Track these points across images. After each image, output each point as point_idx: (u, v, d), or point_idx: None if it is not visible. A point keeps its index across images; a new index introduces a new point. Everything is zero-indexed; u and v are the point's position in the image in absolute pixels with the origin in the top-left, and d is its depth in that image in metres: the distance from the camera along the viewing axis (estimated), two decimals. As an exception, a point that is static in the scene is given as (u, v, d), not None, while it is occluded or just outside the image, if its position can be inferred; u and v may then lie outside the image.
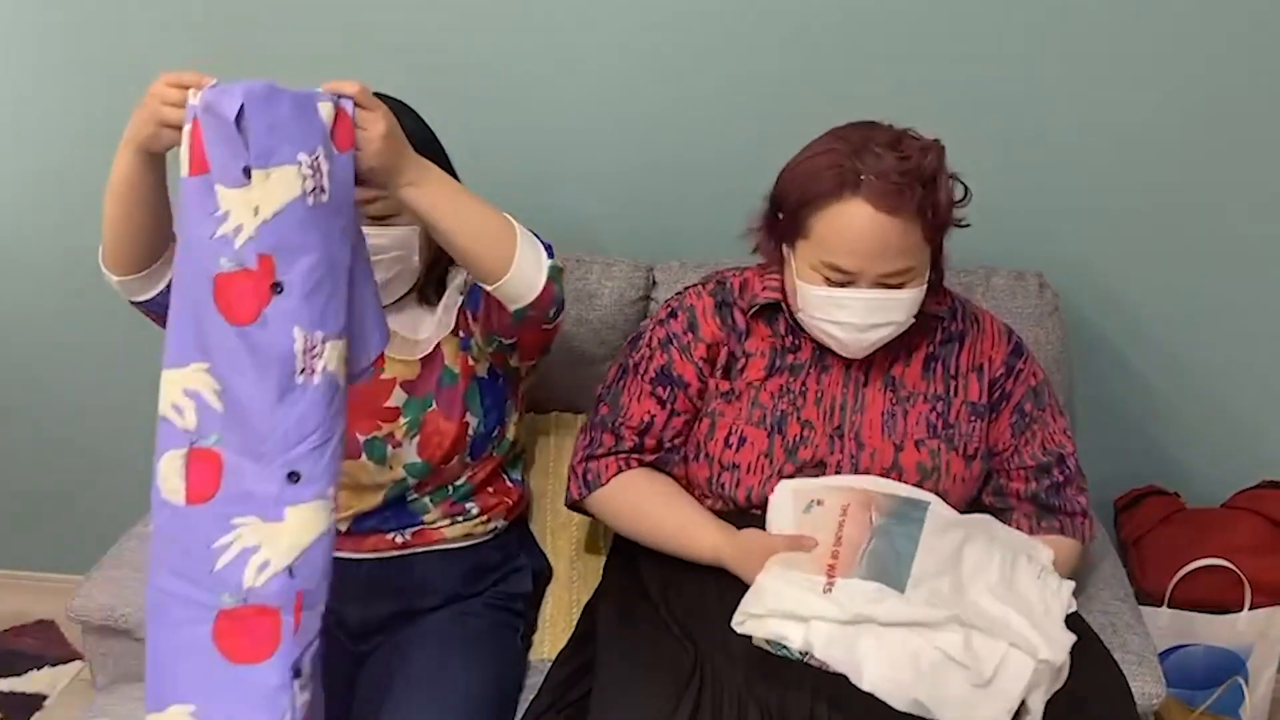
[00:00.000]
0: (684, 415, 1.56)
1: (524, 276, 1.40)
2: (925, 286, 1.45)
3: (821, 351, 1.53)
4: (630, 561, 1.59)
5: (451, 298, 1.61)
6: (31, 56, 2.02)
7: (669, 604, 1.48)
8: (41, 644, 2.39)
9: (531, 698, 1.54)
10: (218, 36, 1.96)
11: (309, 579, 1.19)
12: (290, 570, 1.18)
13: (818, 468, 1.50)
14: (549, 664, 1.61)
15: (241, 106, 1.14)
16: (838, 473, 1.49)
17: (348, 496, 1.58)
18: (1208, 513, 2.00)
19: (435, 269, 1.61)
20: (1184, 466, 2.06)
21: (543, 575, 1.75)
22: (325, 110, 1.19)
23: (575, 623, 1.67)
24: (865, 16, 1.82)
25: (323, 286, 1.19)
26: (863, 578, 1.33)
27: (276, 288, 1.17)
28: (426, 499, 1.63)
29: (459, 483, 1.64)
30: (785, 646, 1.30)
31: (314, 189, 1.18)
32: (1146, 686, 1.52)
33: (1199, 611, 1.92)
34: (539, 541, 1.78)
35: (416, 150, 1.32)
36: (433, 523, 1.63)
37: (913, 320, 1.48)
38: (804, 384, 1.53)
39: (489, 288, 1.41)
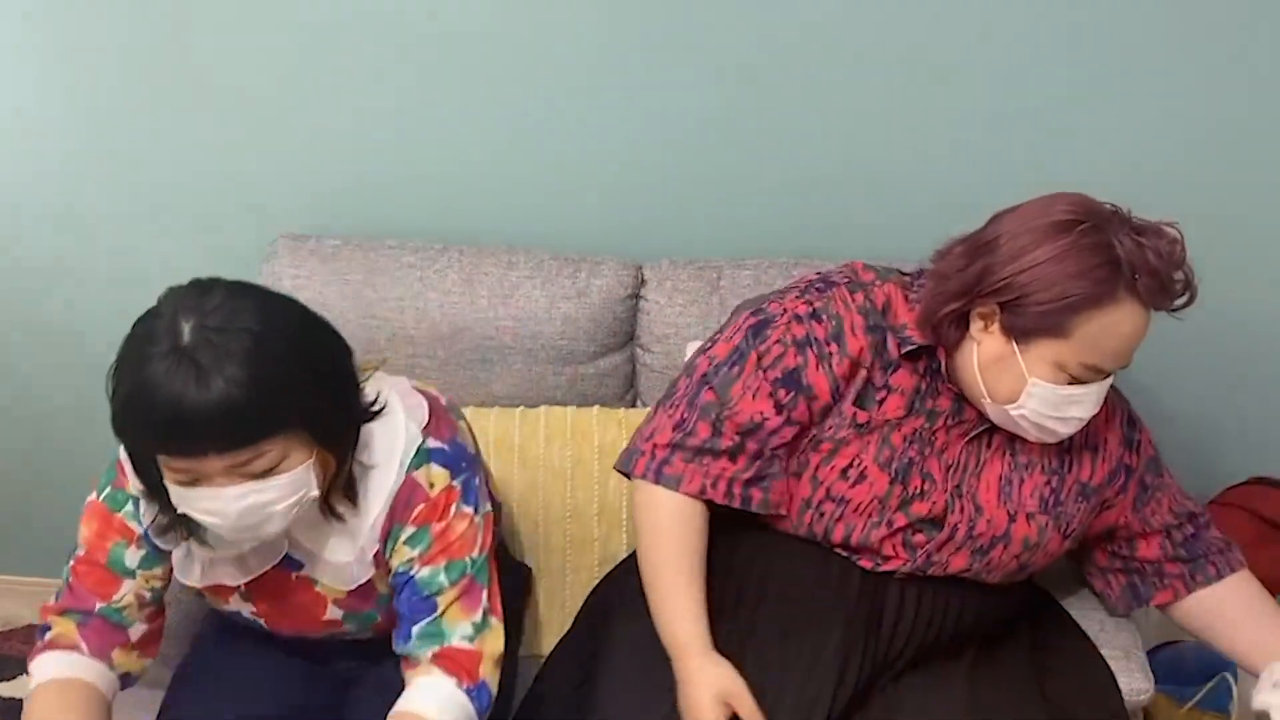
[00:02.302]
0: (798, 426, 1.42)
1: None
2: None
3: (960, 405, 1.44)
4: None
5: (368, 537, 1.36)
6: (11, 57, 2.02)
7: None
8: (31, 648, 2.37)
9: (526, 691, 1.54)
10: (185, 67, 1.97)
11: None
12: None
13: (933, 525, 1.43)
14: (537, 660, 1.61)
15: None
16: (952, 533, 1.43)
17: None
18: (1197, 509, 2.00)
19: (334, 485, 1.32)
20: (1173, 463, 2.05)
21: (523, 581, 1.75)
22: None
23: (571, 616, 1.66)
24: (857, 18, 1.82)
25: None
26: None
27: None
28: None
29: None
30: None
31: None
32: (1134, 683, 1.53)
33: (1188, 608, 1.92)
34: (530, 535, 1.78)
35: (278, 388, 1.18)
36: None
37: None
38: (934, 434, 1.44)
39: None
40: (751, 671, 1.36)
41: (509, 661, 1.62)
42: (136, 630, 1.41)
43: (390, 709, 1.33)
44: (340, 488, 1.32)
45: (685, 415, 1.43)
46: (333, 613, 1.43)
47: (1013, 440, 1.46)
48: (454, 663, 1.34)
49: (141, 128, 2.03)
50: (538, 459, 1.81)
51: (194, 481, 1.21)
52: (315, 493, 1.26)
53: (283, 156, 2.02)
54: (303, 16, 1.90)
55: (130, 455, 1.29)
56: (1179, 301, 1.34)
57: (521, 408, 1.84)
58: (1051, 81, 1.83)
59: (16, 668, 2.32)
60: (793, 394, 1.42)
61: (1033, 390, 1.35)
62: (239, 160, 2.03)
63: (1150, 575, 1.57)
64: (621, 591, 1.54)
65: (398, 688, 1.35)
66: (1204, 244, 1.89)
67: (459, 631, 1.35)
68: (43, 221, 2.15)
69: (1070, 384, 1.34)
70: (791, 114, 1.90)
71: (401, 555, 1.36)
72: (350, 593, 1.40)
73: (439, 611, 1.35)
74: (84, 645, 1.38)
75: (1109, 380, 1.38)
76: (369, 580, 1.38)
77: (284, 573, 1.38)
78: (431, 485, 1.36)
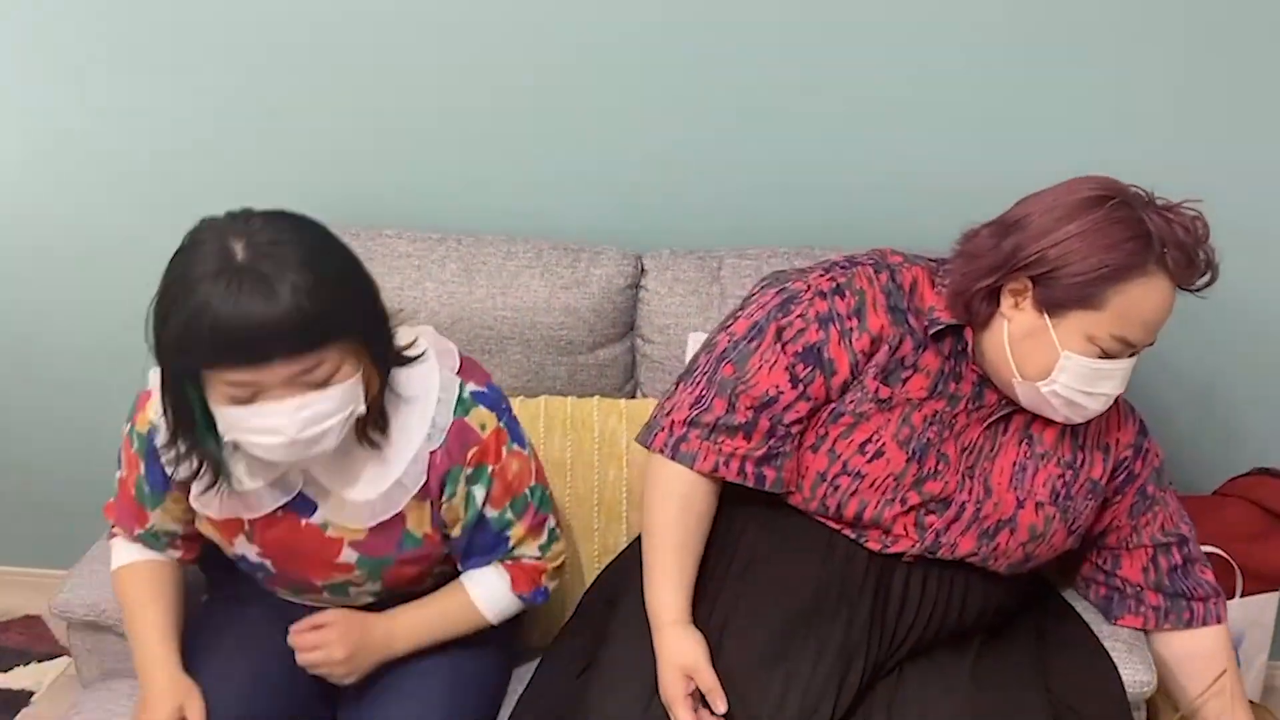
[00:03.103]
0: (813, 401, 1.44)
1: (498, 618, 1.52)
2: None
3: (981, 390, 1.47)
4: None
5: (408, 467, 1.40)
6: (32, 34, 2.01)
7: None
8: (28, 639, 2.37)
9: (520, 690, 1.53)
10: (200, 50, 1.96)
11: None
12: None
13: (942, 504, 1.44)
14: (537, 652, 1.60)
15: None
16: (960, 512, 1.44)
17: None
18: (1200, 500, 1.99)
19: (371, 410, 1.36)
20: (1175, 454, 2.04)
21: None
22: None
23: (571, 605, 1.66)
24: (860, 8, 1.80)
25: None
26: None
27: None
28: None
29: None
30: None
31: None
32: (1137, 675, 1.52)
33: (1191, 599, 1.92)
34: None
35: (336, 292, 1.24)
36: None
37: None
38: (955, 417, 1.45)
39: None
40: (754, 666, 1.36)
41: (508, 653, 1.62)
42: (176, 548, 1.51)
43: (390, 678, 1.45)
44: (375, 415, 1.36)
45: (704, 391, 1.45)
46: (347, 555, 1.43)
47: (1029, 429, 1.48)
48: (519, 571, 1.50)
49: (140, 117, 2.02)
50: (537, 447, 1.79)
51: (253, 397, 1.24)
52: (362, 408, 1.31)
53: (280, 146, 2.01)
54: (304, 8, 1.89)
55: (174, 386, 1.28)
56: (1202, 280, 1.38)
57: (521, 398, 1.83)
58: (1056, 75, 1.82)
59: (15, 658, 2.32)
60: (811, 369, 1.43)
61: (1065, 364, 1.37)
62: (236, 150, 2.02)
63: (1129, 596, 1.59)
64: (624, 580, 1.54)
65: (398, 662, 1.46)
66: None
67: (528, 553, 1.50)
68: (43, 210, 2.14)
69: (1101, 358, 1.36)
70: (793, 102, 1.88)
71: (464, 497, 1.43)
72: (371, 532, 1.42)
73: (511, 545, 1.48)
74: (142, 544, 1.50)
75: (1134, 360, 1.40)
76: (396, 518, 1.41)
77: (293, 518, 1.41)
78: (483, 427, 1.42)
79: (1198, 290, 1.39)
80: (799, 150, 1.90)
